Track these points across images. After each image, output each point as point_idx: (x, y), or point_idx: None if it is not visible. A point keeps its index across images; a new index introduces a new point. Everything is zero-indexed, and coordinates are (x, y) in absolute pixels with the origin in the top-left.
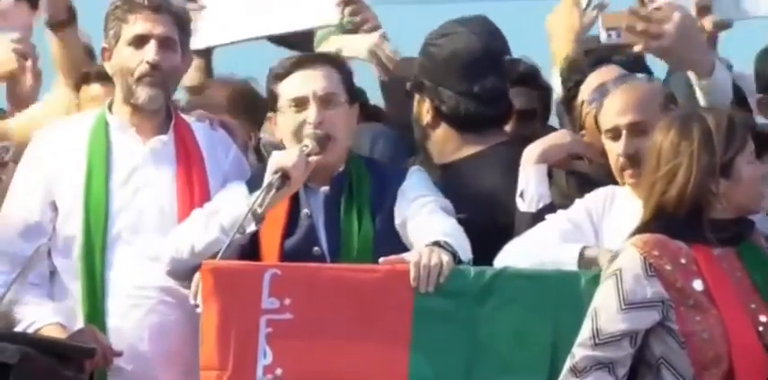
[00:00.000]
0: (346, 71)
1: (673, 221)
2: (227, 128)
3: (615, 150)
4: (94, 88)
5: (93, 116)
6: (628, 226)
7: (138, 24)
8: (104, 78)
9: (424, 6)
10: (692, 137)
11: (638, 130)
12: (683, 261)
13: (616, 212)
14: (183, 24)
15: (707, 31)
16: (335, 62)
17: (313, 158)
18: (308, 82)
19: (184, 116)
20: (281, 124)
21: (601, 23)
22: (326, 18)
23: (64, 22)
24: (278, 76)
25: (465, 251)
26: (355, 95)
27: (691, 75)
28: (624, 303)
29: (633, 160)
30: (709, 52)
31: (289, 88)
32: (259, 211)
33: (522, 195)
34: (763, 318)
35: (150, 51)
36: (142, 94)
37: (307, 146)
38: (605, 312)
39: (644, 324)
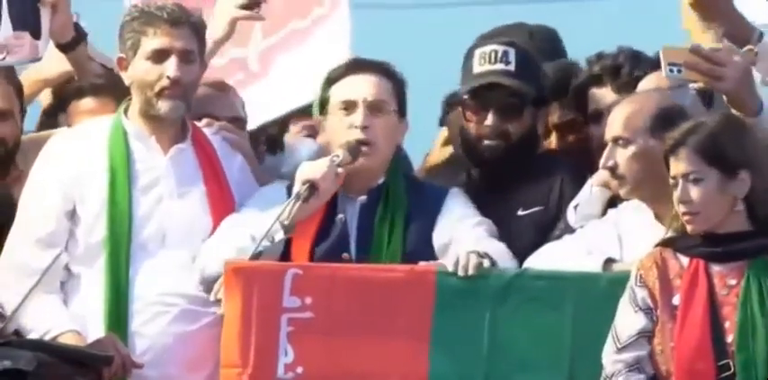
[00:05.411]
0: (399, 83)
1: (683, 235)
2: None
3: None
4: (87, 102)
5: (108, 123)
6: (650, 237)
7: (157, 38)
8: (99, 91)
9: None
10: None
11: (619, 144)
12: (670, 276)
13: (643, 224)
14: (200, 34)
15: None
16: (389, 72)
17: (344, 169)
18: (359, 86)
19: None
20: (329, 127)
21: (662, 58)
22: None
23: (71, 42)
24: (330, 79)
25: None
26: (405, 110)
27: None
28: (635, 306)
29: (612, 172)
30: (756, 93)
31: (340, 91)
32: (286, 222)
33: (575, 208)
34: (729, 338)
35: (171, 67)
36: (163, 106)
37: (338, 156)
38: (621, 319)
39: (651, 324)
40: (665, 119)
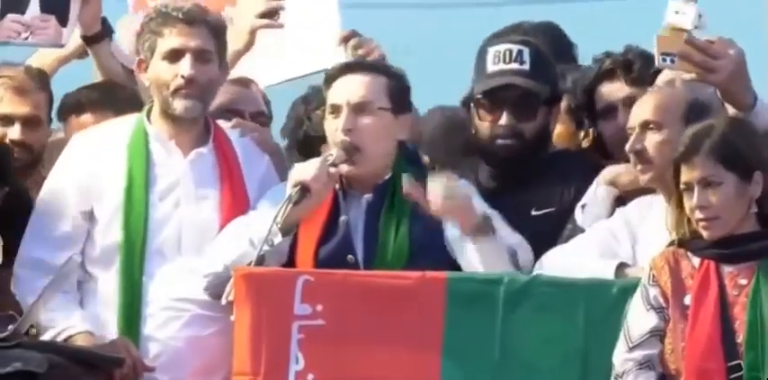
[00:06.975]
0: (397, 80)
1: (697, 236)
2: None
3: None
4: (86, 118)
5: (130, 125)
6: (664, 234)
7: (172, 38)
8: (97, 107)
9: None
10: None
11: (648, 128)
12: (682, 276)
13: (653, 221)
14: (218, 34)
15: None
16: (386, 70)
17: (339, 168)
18: (345, 89)
19: (222, 125)
20: (326, 128)
21: (655, 46)
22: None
23: (96, 36)
24: (327, 79)
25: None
26: (404, 105)
27: (730, 108)
28: (647, 305)
29: (639, 156)
30: (752, 87)
31: (330, 94)
32: (280, 226)
33: (583, 208)
34: (739, 337)
35: (185, 66)
36: (179, 105)
37: (332, 155)
38: (633, 318)
39: (662, 323)
40: (697, 110)
